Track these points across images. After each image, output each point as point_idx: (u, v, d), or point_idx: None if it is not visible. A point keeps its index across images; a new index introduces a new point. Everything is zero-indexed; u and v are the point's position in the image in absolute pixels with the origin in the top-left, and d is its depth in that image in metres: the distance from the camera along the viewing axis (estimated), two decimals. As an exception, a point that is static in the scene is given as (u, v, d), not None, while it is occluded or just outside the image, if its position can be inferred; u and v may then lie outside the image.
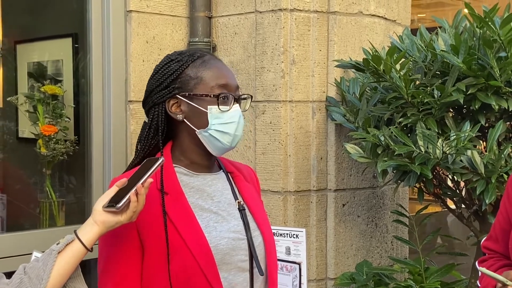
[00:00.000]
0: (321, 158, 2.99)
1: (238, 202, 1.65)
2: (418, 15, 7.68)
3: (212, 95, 1.57)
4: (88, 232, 1.43)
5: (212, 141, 1.59)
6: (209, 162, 1.65)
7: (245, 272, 1.59)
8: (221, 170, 1.70)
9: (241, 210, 1.64)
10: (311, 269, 2.96)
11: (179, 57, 1.62)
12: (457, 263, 2.90)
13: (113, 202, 1.42)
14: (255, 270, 1.59)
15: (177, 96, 1.59)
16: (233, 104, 1.59)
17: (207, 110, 1.57)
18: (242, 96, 1.64)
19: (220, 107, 1.57)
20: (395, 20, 3.26)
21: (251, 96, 1.69)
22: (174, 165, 1.61)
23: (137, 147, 1.64)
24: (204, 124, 1.58)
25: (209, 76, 1.59)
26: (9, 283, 1.41)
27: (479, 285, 1.80)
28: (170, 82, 1.59)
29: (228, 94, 1.59)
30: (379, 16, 3.12)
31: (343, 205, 3.03)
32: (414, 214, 2.97)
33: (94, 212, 1.44)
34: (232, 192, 1.66)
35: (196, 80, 1.59)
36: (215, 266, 1.52)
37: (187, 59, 1.61)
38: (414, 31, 2.86)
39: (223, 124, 1.58)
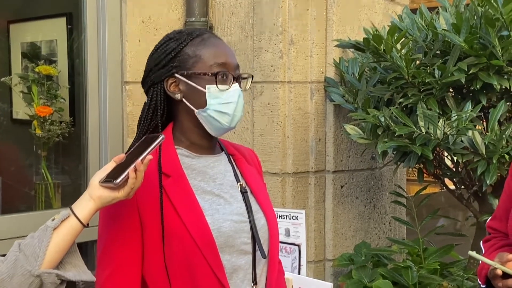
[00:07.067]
0: (320, 140, 2.97)
1: (240, 184, 1.62)
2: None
3: (210, 74, 1.54)
4: (84, 208, 1.40)
5: (210, 121, 1.56)
6: (210, 144, 1.62)
7: (247, 254, 1.56)
8: (223, 152, 1.67)
9: (243, 192, 1.61)
10: (310, 251, 2.94)
11: (177, 35, 1.59)
12: (456, 243, 2.89)
13: (110, 177, 1.39)
14: (258, 253, 1.57)
15: (175, 75, 1.55)
16: (232, 84, 1.56)
17: (205, 89, 1.54)
18: (242, 76, 1.61)
19: (219, 86, 1.54)
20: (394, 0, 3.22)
21: (252, 76, 1.65)
22: (175, 146, 1.58)
23: (137, 128, 1.61)
24: (202, 104, 1.55)
25: (208, 55, 1.55)
26: (4, 260, 1.38)
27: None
28: (168, 60, 1.56)
29: (227, 73, 1.55)
30: (378, -5, 3.09)
31: (342, 186, 3.01)
32: (413, 195, 2.96)
33: (91, 186, 1.41)
34: (234, 174, 1.63)
35: (195, 58, 1.55)
36: (215, 249, 1.49)
37: (185, 38, 1.57)
38: (412, 12, 2.82)
39: (221, 104, 1.54)
